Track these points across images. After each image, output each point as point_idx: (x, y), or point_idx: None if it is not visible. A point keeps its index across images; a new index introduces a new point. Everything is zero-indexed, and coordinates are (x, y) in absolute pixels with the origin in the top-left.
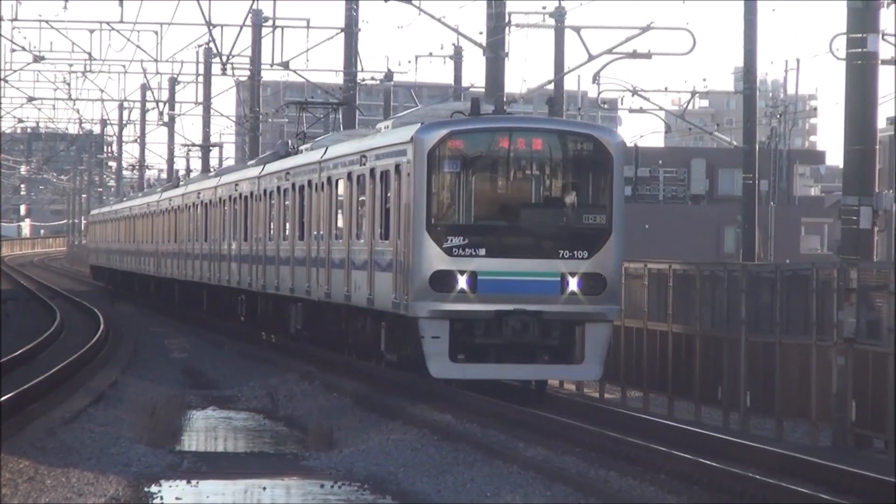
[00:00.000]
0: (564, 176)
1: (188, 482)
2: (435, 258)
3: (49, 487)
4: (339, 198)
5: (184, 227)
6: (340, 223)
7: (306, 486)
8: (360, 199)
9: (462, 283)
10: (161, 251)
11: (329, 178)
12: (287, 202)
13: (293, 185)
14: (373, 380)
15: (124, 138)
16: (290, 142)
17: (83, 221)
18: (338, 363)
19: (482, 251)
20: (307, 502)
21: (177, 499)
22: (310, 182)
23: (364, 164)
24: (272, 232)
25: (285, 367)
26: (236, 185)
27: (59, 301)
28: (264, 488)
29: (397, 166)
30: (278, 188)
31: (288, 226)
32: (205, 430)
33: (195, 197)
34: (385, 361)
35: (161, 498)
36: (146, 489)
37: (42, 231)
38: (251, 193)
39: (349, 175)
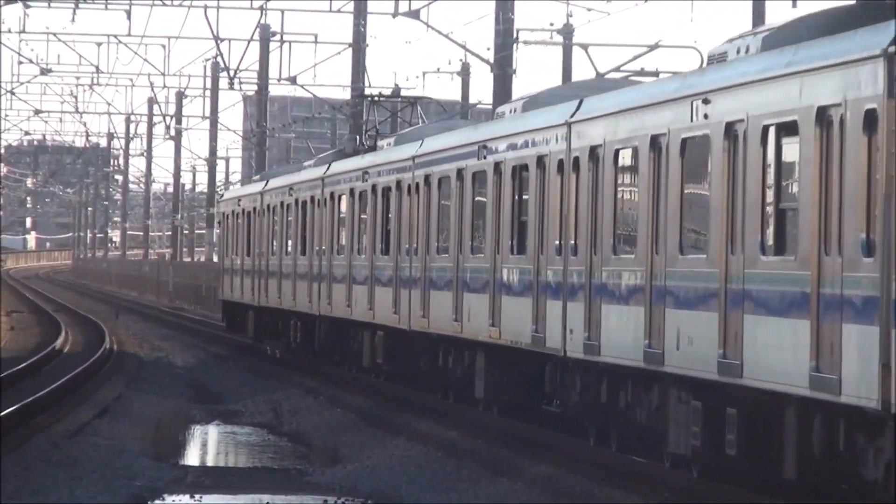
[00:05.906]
0: None
1: (192, 496)
2: None
3: (53, 500)
4: None
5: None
6: None
7: (310, 501)
8: None
9: None
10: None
11: None
12: None
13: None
14: (376, 395)
15: (131, 152)
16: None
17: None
18: (341, 378)
19: None
20: None
21: None
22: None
23: None
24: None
25: (289, 381)
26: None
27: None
28: (268, 503)
29: None
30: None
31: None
32: (210, 444)
33: None
34: None
35: None
36: (150, 503)
37: (48, 244)
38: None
39: None
